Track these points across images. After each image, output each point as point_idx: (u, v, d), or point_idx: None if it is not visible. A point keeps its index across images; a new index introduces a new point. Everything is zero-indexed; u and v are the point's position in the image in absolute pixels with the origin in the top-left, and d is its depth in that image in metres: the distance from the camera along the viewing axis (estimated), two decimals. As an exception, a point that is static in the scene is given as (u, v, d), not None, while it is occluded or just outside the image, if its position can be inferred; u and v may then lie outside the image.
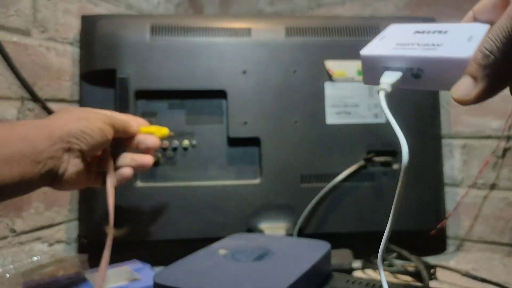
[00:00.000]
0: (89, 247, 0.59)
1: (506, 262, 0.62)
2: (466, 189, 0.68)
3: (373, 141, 0.61)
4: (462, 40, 0.23)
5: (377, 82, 0.25)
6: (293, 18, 0.67)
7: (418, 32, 0.26)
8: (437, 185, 0.62)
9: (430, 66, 0.23)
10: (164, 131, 0.48)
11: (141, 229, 0.57)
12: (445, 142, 0.70)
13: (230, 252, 0.43)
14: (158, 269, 0.56)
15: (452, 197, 0.69)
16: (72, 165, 0.35)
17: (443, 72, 0.22)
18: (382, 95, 0.24)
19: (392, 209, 0.23)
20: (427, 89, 0.25)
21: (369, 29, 0.62)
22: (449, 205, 0.68)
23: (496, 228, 0.66)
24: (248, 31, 0.61)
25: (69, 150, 0.35)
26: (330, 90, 0.61)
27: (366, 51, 0.25)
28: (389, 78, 0.24)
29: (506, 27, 0.20)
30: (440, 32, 0.25)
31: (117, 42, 0.58)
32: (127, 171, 0.43)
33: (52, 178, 0.35)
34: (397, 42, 0.25)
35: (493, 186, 0.67)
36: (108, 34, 0.59)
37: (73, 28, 0.66)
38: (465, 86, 0.21)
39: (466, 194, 0.67)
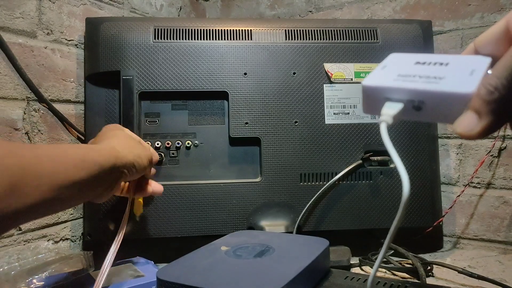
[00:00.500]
0: (94, 244, 0.60)
1: (501, 259, 0.62)
2: (462, 188, 0.69)
3: (371, 141, 0.62)
4: (464, 73, 0.22)
5: (377, 112, 0.24)
6: (292, 21, 0.68)
7: (419, 63, 0.25)
8: (434, 183, 0.63)
9: (432, 100, 0.22)
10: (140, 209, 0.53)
11: (145, 227, 0.58)
12: (441, 141, 0.71)
13: (231, 249, 0.43)
14: (161, 265, 0.57)
15: (448, 195, 0.70)
16: (116, 189, 0.40)
17: (445, 106, 0.22)
18: (383, 127, 0.23)
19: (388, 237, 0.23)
20: (429, 121, 0.24)
21: (367, 32, 0.63)
22: (445, 203, 0.68)
23: (491, 226, 0.67)
24: (249, 34, 0.62)
25: (120, 178, 0.39)
26: (328, 91, 0.62)
27: (367, 81, 0.25)
28: (390, 110, 0.23)
29: (511, 66, 0.20)
30: (441, 64, 0.24)
31: (121, 44, 0.59)
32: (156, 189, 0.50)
33: (98, 197, 0.39)
34: (398, 72, 0.24)
35: (488, 185, 0.68)
36: (112, 37, 0.60)
37: (78, 30, 0.67)
38: (469, 121, 0.21)
39: (462, 192, 0.68)
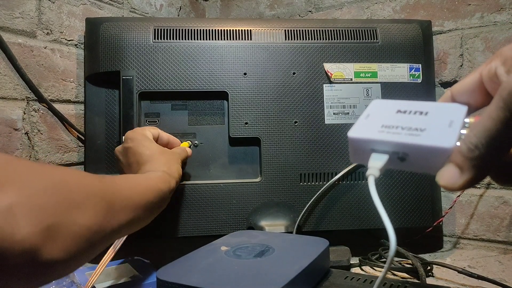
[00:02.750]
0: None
1: (501, 259, 0.62)
2: (462, 188, 0.69)
3: (371, 141, 0.62)
4: (443, 125, 0.24)
5: (364, 162, 0.25)
6: (292, 21, 0.68)
7: (400, 111, 0.26)
8: (434, 184, 0.63)
9: (415, 152, 0.23)
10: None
11: (144, 227, 0.58)
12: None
13: (231, 249, 0.43)
14: (159, 266, 0.57)
15: (448, 195, 0.70)
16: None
17: (427, 158, 0.23)
18: (371, 180, 0.24)
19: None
20: (413, 171, 0.25)
21: (367, 32, 0.63)
22: (445, 203, 0.69)
23: (491, 226, 0.67)
24: (248, 34, 0.62)
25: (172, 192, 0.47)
26: (328, 91, 0.62)
27: (353, 133, 0.26)
28: (376, 162, 0.24)
29: (489, 127, 0.21)
30: (421, 113, 0.26)
31: (121, 44, 0.59)
32: None
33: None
34: (382, 123, 0.25)
35: (488, 185, 0.68)
36: (112, 37, 0.60)
37: (78, 30, 0.67)
38: (451, 175, 0.22)
39: (462, 192, 0.68)
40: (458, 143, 0.22)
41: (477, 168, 0.22)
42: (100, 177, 0.32)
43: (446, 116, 0.24)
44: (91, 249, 0.28)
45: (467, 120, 0.25)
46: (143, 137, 0.50)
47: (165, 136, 0.55)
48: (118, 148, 0.52)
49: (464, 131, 0.23)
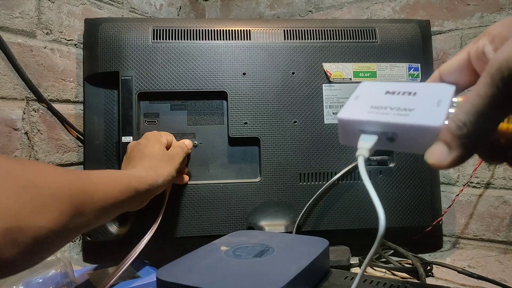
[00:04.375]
0: (93, 245, 0.60)
1: (501, 259, 0.62)
2: (461, 187, 0.69)
3: (371, 141, 0.62)
4: (431, 104, 0.24)
5: (353, 143, 0.26)
6: (291, 21, 0.68)
7: (389, 92, 0.27)
8: (433, 183, 0.63)
9: (403, 132, 0.24)
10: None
11: (143, 227, 0.58)
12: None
13: (231, 249, 0.43)
14: (159, 266, 0.57)
15: (448, 195, 0.70)
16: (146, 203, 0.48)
17: (415, 137, 0.23)
18: (361, 161, 0.24)
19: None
20: (402, 151, 0.25)
21: (366, 31, 0.63)
22: (445, 203, 0.68)
23: (491, 226, 0.67)
24: (248, 34, 0.62)
25: (151, 196, 0.47)
26: (327, 91, 0.62)
27: (343, 114, 0.26)
28: (365, 143, 0.24)
29: (477, 104, 0.21)
30: (409, 93, 0.26)
31: (120, 44, 0.59)
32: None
33: (131, 210, 0.45)
34: (371, 104, 0.26)
35: (488, 185, 0.68)
36: (111, 37, 0.60)
37: (77, 30, 0.67)
38: (440, 153, 0.22)
39: (461, 192, 0.68)
40: (446, 122, 0.22)
41: (465, 145, 0.22)
42: (73, 173, 0.32)
43: (434, 96, 0.25)
44: (52, 248, 0.29)
45: (455, 99, 0.25)
46: (154, 139, 0.52)
47: (176, 143, 0.56)
48: (132, 142, 0.53)
49: (452, 110, 0.23)
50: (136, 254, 0.46)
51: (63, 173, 0.31)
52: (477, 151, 0.25)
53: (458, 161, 0.22)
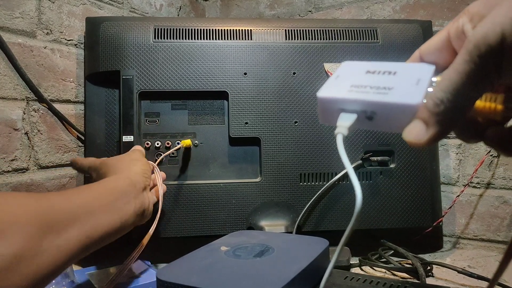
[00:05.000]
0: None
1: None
2: (462, 187, 0.69)
3: (370, 141, 0.62)
4: (410, 83, 0.24)
5: (333, 122, 0.26)
6: (292, 21, 0.68)
7: (369, 72, 0.27)
8: (433, 183, 0.63)
9: (382, 110, 0.24)
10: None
11: (143, 227, 0.58)
12: (441, 141, 0.71)
13: (231, 249, 0.43)
14: (160, 266, 0.57)
15: (448, 195, 0.70)
16: (150, 198, 0.46)
17: (394, 115, 0.23)
18: (339, 139, 0.24)
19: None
20: (381, 130, 0.25)
21: (367, 32, 0.63)
22: (445, 203, 0.69)
23: (491, 226, 0.67)
24: (248, 34, 0.62)
25: (144, 188, 0.44)
26: (328, 91, 0.62)
27: (322, 92, 0.26)
28: (345, 121, 0.24)
29: (455, 81, 0.21)
30: (389, 73, 0.26)
31: (121, 44, 0.59)
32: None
33: (142, 213, 0.43)
34: (351, 83, 0.26)
35: (488, 185, 0.68)
36: (112, 36, 0.60)
37: (78, 30, 0.67)
38: (417, 130, 0.22)
39: (461, 192, 0.68)
40: (425, 101, 0.23)
41: (442, 122, 0.22)
42: (36, 197, 0.31)
43: (413, 75, 0.25)
44: (26, 269, 0.27)
45: (434, 79, 0.25)
46: (137, 155, 0.50)
47: (153, 177, 0.52)
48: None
49: (431, 90, 0.24)
50: (138, 254, 0.46)
51: (25, 197, 0.30)
52: (455, 129, 0.25)
53: (435, 139, 0.22)
